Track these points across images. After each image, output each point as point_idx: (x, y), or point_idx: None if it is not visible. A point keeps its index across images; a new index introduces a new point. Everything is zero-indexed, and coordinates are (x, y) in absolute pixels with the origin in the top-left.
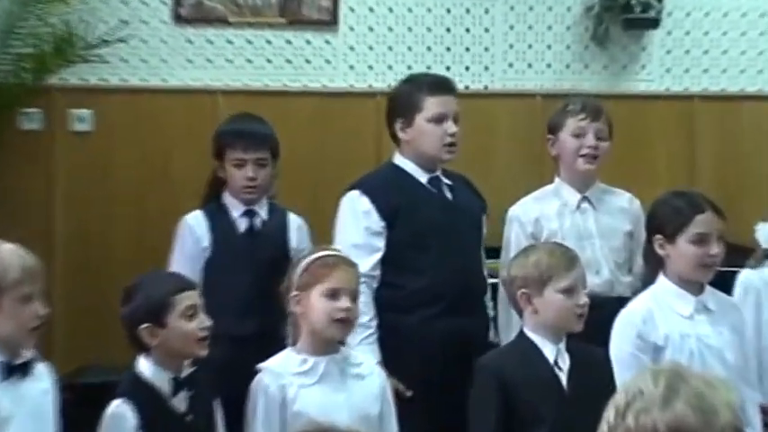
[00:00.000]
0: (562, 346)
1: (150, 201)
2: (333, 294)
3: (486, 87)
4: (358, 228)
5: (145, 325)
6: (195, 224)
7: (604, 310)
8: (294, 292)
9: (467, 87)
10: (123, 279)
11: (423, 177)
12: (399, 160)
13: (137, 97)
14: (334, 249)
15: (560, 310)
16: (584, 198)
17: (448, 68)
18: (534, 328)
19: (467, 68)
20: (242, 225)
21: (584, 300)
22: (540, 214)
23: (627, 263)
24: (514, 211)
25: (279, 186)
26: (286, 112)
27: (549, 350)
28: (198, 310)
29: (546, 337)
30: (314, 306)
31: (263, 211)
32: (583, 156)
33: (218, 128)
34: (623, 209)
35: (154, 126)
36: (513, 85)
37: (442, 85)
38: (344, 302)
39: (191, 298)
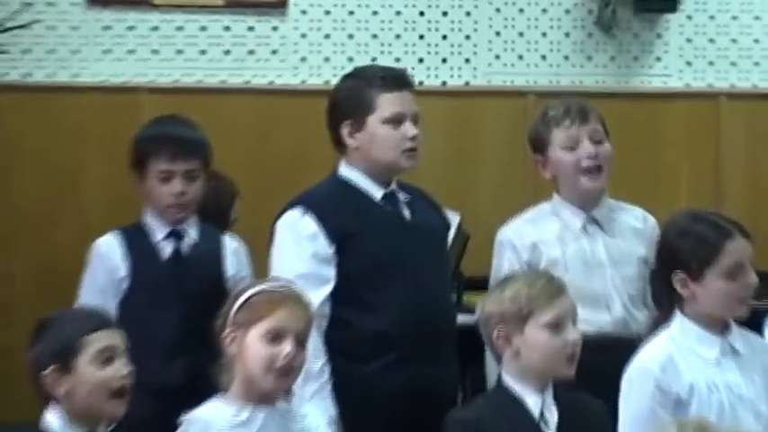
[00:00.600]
0: (548, 395)
1: (59, 222)
2: (274, 337)
3: (467, 84)
4: (302, 254)
5: (50, 368)
6: (108, 250)
7: (616, 353)
8: (228, 329)
9: (444, 84)
10: (26, 316)
11: (376, 193)
12: (347, 172)
13: (43, 96)
14: (286, 282)
15: (546, 350)
16: (591, 218)
17: (421, 60)
18: (516, 374)
19: (444, 61)
20: (166, 250)
21: (574, 336)
22: (538, 239)
23: (641, 294)
24: (506, 234)
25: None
26: (224, 115)
27: (532, 401)
28: (116, 354)
29: (529, 385)
30: (250, 349)
31: (191, 232)
32: (584, 170)
33: (139, 133)
34: (636, 229)
35: (63, 131)
36: (500, 81)
37: (397, 79)
38: (287, 347)
39: (106, 339)
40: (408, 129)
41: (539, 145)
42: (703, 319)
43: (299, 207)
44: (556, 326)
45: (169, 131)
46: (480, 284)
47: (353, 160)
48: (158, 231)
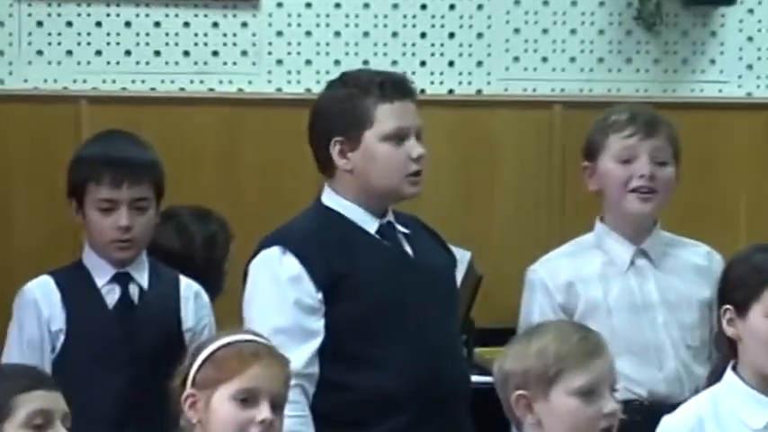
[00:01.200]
0: None
1: None
2: (246, 399)
3: (479, 92)
4: (284, 302)
5: None
6: (41, 297)
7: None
8: (189, 391)
9: (451, 92)
10: None
11: (370, 225)
12: (333, 200)
13: None
14: (255, 334)
15: (574, 422)
16: (641, 252)
17: (423, 64)
18: None
19: (451, 64)
20: (112, 297)
21: (611, 406)
22: (575, 277)
23: (705, 346)
24: (537, 273)
25: None
26: (183, 129)
27: None
28: (53, 419)
29: None
30: (217, 413)
31: (141, 277)
32: (634, 191)
33: (75, 154)
34: (698, 267)
35: None
36: (519, 88)
37: (397, 87)
38: (264, 412)
39: (41, 400)
40: (413, 147)
41: (590, 149)
42: (756, 377)
43: (277, 245)
44: (589, 393)
45: (111, 151)
46: (493, 339)
47: (343, 185)
48: (100, 274)
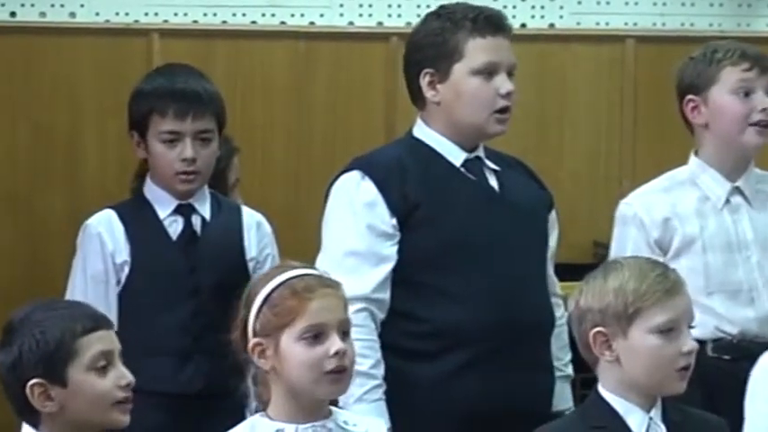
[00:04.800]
0: (656, 413)
1: (49, 197)
2: (315, 335)
3: (551, 26)
4: (358, 226)
5: (33, 381)
6: (105, 231)
7: (756, 359)
8: (254, 341)
9: (523, 26)
10: (7, 309)
11: (457, 158)
12: (422, 132)
13: (30, 40)
14: (303, 266)
15: (653, 360)
16: (736, 189)
17: None
18: (615, 386)
19: None
20: (175, 228)
21: (689, 345)
22: (672, 212)
23: None
24: (632, 207)
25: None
26: (255, 62)
27: (636, 420)
28: (114, 358)
29: (632, 399)
30: (289, 357)
31: (204, 208)
32: (754, 124)
33: (138, 86)
34: None
35: (54, 83)
36: (592, 22)
37: (492, 22)
38: (336, 343)
39: (103, 341)
40: (502, 83)
41: (698, 84)
42: None
43: (357, 170)
44: (668, 331)
45: (175, 83)
46: (565, 274)
47: (432, 117)
48: (163, 207)
